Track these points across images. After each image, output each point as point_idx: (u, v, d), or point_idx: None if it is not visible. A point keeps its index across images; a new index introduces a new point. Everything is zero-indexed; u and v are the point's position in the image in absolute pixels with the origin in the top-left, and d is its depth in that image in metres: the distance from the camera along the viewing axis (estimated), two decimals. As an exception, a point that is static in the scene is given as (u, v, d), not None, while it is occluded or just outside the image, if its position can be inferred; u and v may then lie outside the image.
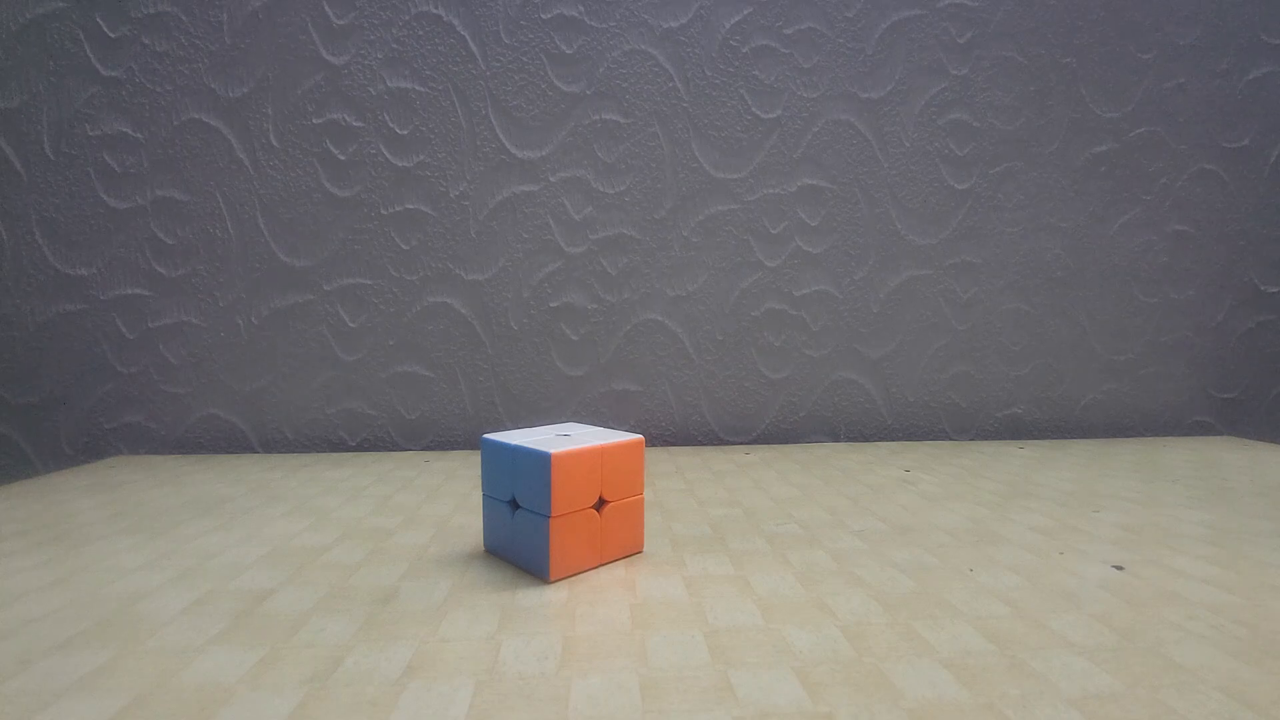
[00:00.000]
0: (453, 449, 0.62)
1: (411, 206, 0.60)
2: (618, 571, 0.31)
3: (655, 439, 0.64)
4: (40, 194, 0.58)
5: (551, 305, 0.62)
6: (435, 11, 0.59)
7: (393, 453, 0.59)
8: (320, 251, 0.60)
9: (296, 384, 0.60)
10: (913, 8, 0.62)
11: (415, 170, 0.60)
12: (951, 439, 0.66)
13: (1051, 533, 0.36)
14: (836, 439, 0.65)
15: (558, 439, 0.32)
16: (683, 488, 0.46)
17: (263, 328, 0.60)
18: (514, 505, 0.31)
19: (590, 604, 0.27)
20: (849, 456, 0.57)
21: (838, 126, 0.63)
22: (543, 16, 0.60)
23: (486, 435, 0.33)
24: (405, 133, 0.60)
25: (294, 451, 0.61)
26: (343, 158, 0.59)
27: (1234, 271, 0.68)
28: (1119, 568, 0.31)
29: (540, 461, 0.29)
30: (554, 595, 0.28)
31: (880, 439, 0.66)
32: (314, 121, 0.59)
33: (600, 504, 0.31)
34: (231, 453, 0.60)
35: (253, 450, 0.61)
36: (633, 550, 0.33)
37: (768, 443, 0.64)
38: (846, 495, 0.44)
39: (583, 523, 0.31)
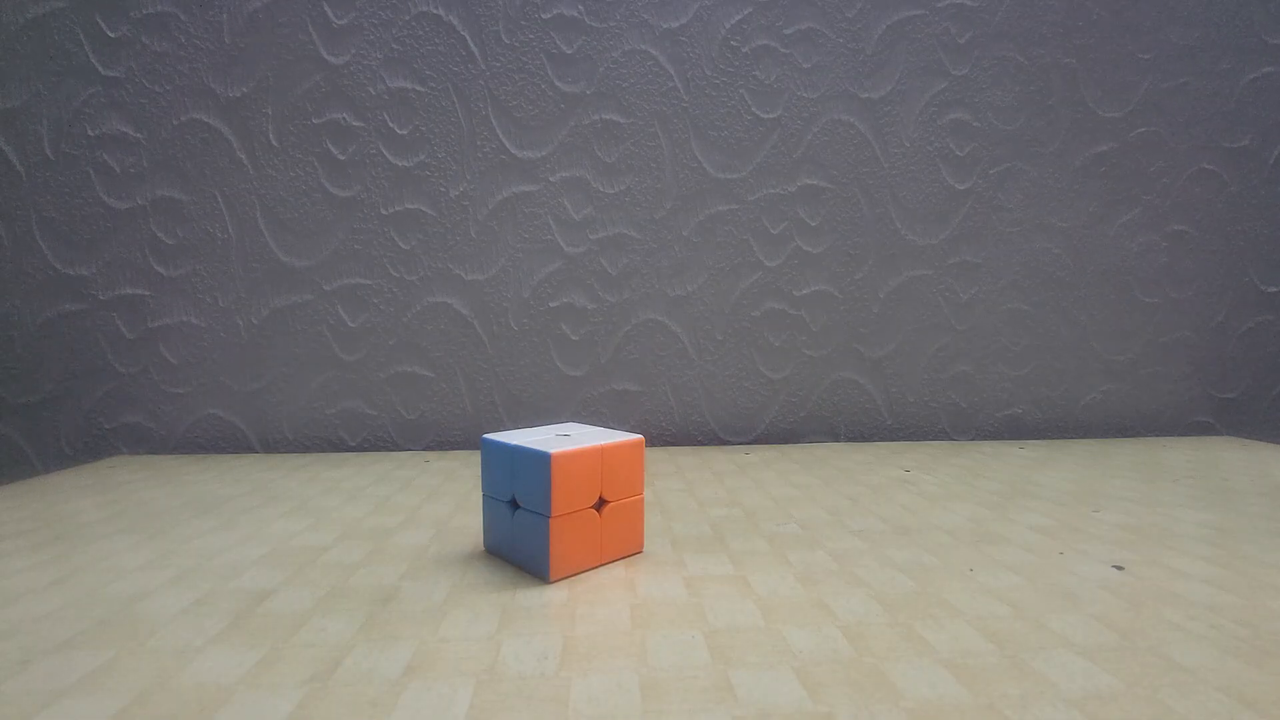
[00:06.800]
0: (453, 449, 0.62)
1: (411, 206, 0.60)
2: (618, 571, 0.31)
3: (655, 439, 0.64)
4: (40, 194, 0.58)
5: (551, 305, 0.62)
6: (435, 11, 0.59)
7: (393, 453, 0.59)
8: (320, 251, 0.60)
9: (296, 384, 0.60)
10: (913, 8, 0.62)
11: (415, 170, 0.60)
12: (951, 439, 0.66)
13: (1051, 533, 0.36)
14: (836, 439, 0.65)
15: (558, 439, 0.32)
16: (683, 488, 0.46)
17: (263, 328, 0.60)
18: (514, 505, 0.31)
19: (590, 604, 0.27)
20: (849, 456, 0.57)
21: (838, 126, 0.63)
22: (543, 16, 0.60)
23: (486, 435, 0.33)
24: (405, 133, 0.60)
25: (294, 451, 0.61)
26: (343, 158, 0.59)
27: (1234, 271, 0.68)
28: (1119, 568, 0.31)
29: (540, 461, 0.29)
30: (554, 595, 0.28)
31: (880, 439, 0.66)
32: (314, 121, 0.59)
33: (600, 504, 0.31)
34: (231, 453, 0.60)
35: (253, 450, 0.61)
36: (633, 550, 0.33)
37: (768, 443, 0.64)
38: (846, 495, 0.44)
39: (583, 523, 0.31)
